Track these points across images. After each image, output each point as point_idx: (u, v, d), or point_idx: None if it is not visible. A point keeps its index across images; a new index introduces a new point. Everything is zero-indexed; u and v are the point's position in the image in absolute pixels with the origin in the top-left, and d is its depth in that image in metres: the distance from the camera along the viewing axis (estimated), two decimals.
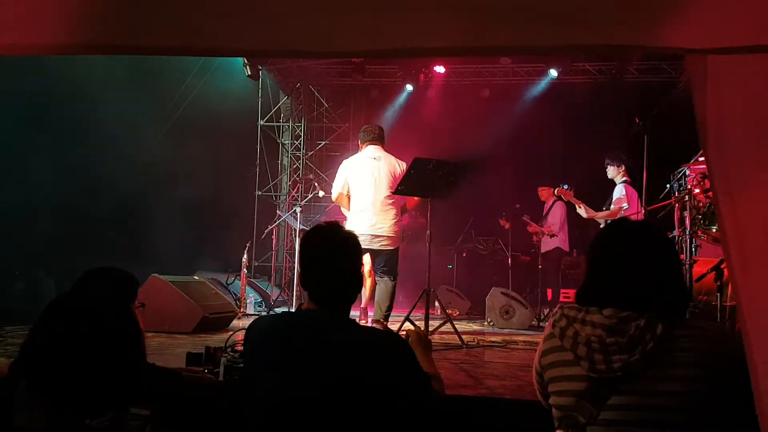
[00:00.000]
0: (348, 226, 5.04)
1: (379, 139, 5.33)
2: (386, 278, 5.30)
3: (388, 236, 5.25)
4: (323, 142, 10.50)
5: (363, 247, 4.93)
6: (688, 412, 1.43)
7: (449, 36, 1.24)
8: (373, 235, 5.16)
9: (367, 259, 6.27)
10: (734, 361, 1.32)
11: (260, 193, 10.18)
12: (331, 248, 2.04)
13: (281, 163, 10.66)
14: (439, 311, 8.41)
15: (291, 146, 10.55)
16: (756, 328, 1.10)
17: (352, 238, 2.11)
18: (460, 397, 2.74)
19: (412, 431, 2.01)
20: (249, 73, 9.27)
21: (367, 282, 6.21)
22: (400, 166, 5.24)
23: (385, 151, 5.37)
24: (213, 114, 9.35)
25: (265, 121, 10.31)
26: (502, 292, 7.07)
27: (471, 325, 7.26)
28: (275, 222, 6.65)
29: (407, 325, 5.18)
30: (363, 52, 1.30)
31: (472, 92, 10.15)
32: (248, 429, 2.01)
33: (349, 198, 5.30)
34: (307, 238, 2.09)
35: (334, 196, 5.38)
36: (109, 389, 1.71)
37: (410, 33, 1.26)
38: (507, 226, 8.84)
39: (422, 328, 4.94)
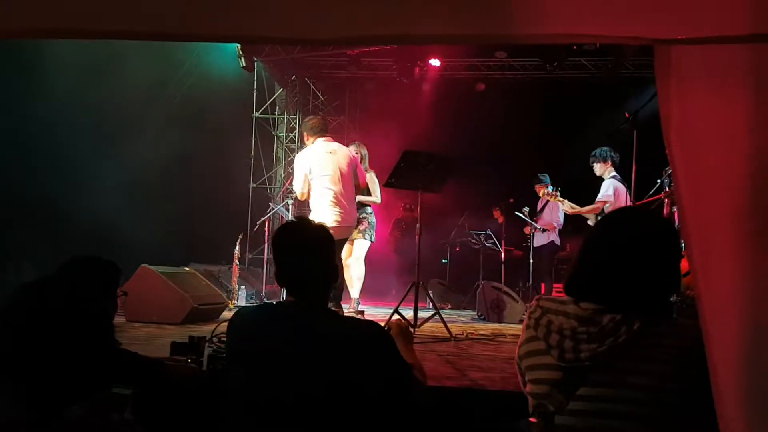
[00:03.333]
0: (319, 219, 5.09)
1: (325, 130, 5.45)
2: (338, 262, 5.43)
3: (350, 226, 5.42)
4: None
5: (338, 238, 5.01)
6: (657, 407, 1.42)
7: (427, 23, 1.24)
8: (346, 227, 5.23)
9: (356, 246, 6.35)
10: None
11: (255, 185, 10.18)
12: (303, 243, 2.06)
13: (276, 155, 10.65)
14: (430, 304, 8.44)
15: (286, 138, 10.54)
16: (716, 324, 1.10)
17: (323, 232, 2.13)
18: (442, 387, 2.75)
19: (394, 421, 2.02)
20: (244, 64, 9.24)
21: (359, 270, 6.30)
22: (352, 153, 5.45)
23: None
24: (208, 106, 9.34)
25: (260, 113, 10.29)
26: (493, 286, 7.09)
27: (462, 318, 7.28)
28: (267, 214, 6.65)
29: (394, 317, 5.20)
30: (338, 39, 1.30)
31: (467, 86, 10.14)
32: (229, 419, 2.03)
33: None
34: (279, 235, 2.11)
35: (297, 195, 5.40)
36: (83, 376, 1.72)
37: (389, 19, 1.25)
38: (501, 220, 8.85)
39: (411, 321, 4.97)
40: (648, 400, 1.43)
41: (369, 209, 6.27)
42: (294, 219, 2.24)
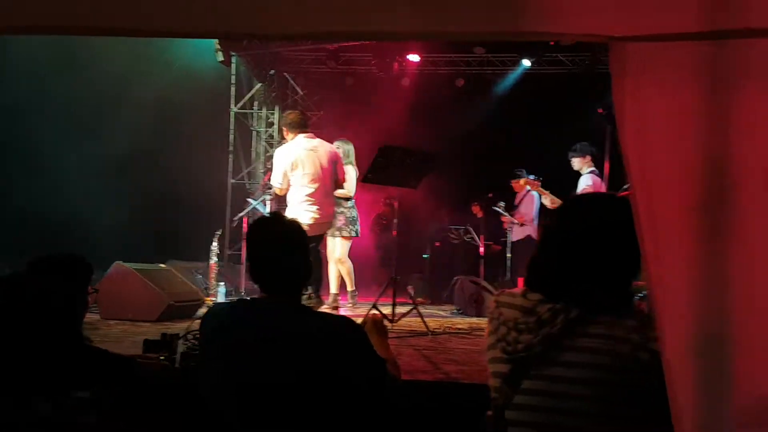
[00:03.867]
0: (296, 216, 5.08)
1: (305, 126, 5.42)
2: (318, 257, 5.44)
3: (327, 222, 5.44)
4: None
5: (312, 235, 5.02)
6: (595, 402, 1.38)
7: (387, 19, 1.24)
8: (324, 223, 5.23)
9: (333, 246, 6.36)
10: (652, 352, 1.29)
11: (234, 180, 10.11)
12: (276, 240, 2.07)
13: (255, 151, 10.58)
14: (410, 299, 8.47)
15: (265, 134, 10.48)
16: (667, 312, 1.12)
17: (296, 228, 2.14)
18: (415, 381, 2.77)
19: (367, 415, 2.03)
20: (221, 59, 9.17)
21: (343, 269, 6.33)
22: (333, 149, 5.45)
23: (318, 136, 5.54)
24: (186, 101, 9.26)
25: (239, 108, 10.22)
26: (471, 281, 7.12)
27: (441, 312, 7.31)
28: (245, 210, 6.62)
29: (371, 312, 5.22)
30: (291, 35, 1.30)
31: (447, 81, 10.16)
32: (202, 416, 2.02)
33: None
34: (252, 231, 2.12)
35: (277, 190, 5.38)
36: (51, 372, 1.70)
37: (338, 14, 1.25)
38: (480, 214, 8.90)
39: (388, 316, 4.99)
40: (585, 394, 1.39)
41: (350, 203, 6.26)
42: (268, 215, 2.25)
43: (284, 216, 2.23)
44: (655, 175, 1.11)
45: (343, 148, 6.25)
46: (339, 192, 6.01)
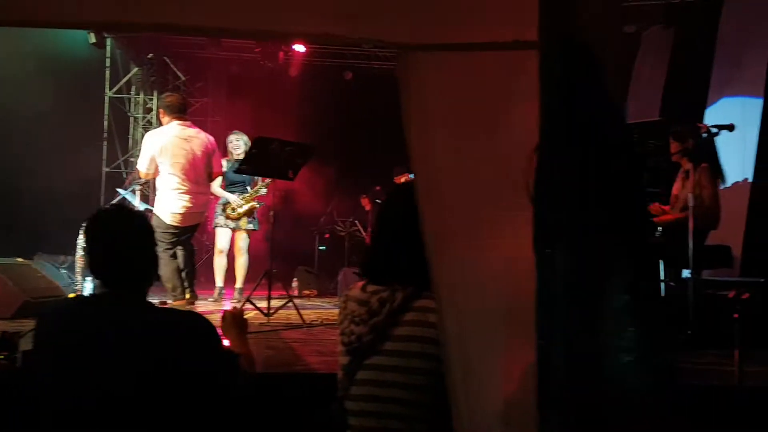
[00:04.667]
0: (164, 206, 4.93)
1: (183, 111, 5.21)
2: (191, 249, 5.25)
3: (198, 213, 5.28)
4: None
5: (184, 226, 4.88)
6: (409, 390, 1.41)
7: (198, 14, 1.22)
8: (196, 213, 5.09)
9: (223, 240, 6.27)
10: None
11: (108, 169, 9.60)
12: (116, 233, 1.97)
13: (132, 138, 10.08)
14: (296, 291, 8.44)
15: (143, 120, 10.00)
16: (448, 305, 1.17)
17: (141, 220, 2.07)
18: (272, 374, 2.74)
19: (216, 409, 1.99)
20: (93, 41, 8.64)
21: (239, 263, 6.29)
22: (210, 140, 5.25)
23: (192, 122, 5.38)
24: (55, 85, 8.64)
25: (114, 93, 9.70)
26: (354, 272, 7.18)
27: (325, 304, 7.31)
28: (114, 200, 6.28)
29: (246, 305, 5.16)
30: (110, 23, 1.24)
31: (335, 73, 10.15)
32: (37, 417, 1.91)
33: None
34: (91, 223, 2.00)
35: (142, 174, 5.18)
36: None
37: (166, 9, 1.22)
38: (368, 207, 8.98)
39: (263, 309, 4.93)
40: (404, 382, 1.42)
41: (231, 198, 6.17)
42: (111, 207, 2.15)
43: (129, 207, 2.14)
44: (438, 175, 1.16)
45: (243, 140, 6.22)
46: (214, 189, 5.89)
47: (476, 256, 1.21)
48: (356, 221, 8.93)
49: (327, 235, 10.18)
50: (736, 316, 2.61)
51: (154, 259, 2.08)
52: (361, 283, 1.65)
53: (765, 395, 2.62)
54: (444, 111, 1.18)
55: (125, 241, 1.96)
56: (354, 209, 9.42)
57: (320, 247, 10.12)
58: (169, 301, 5.01)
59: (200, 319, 2.03)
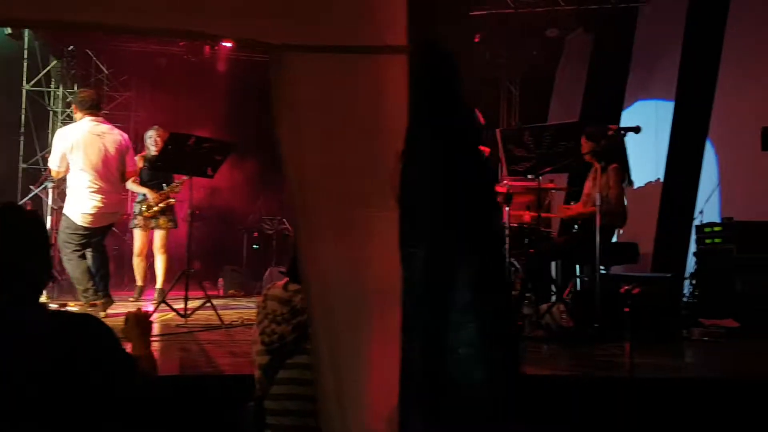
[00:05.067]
0: (74, 206, 4.78)
1: (96, 108, 5.07)
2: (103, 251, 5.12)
3: (112, 213, 5.14)
4: (102, 112, 9.68)
5: (95, 227, 4.75)
6: None
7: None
8: (108, 213, 4.94)
9: (139, 242, 6.12)
10: None
11: (26, 165, 9.18)
12: (7, 233, 1.89)
13: (52, 133, 9.64)
14: (222, 291, 8.31)
15: (63, 114, 9.60)
16: (317, 301, 1.18)
17: (31, 221, 1.99)
18: (177, 377, 2.69)
19: (116, 412, 1.95)
20: (9, 31, 8.24)
21: (158, 262, 6.14)
22: (123, 138, 5.13)
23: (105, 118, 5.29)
24: None
25: (32, 86, 9.27)
26: (280, 271, 7.09)
27: (250, 304, 7.22)
28: (27, 197, 6.02)
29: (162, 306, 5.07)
30: (30, 21, 1.20)
31: (264, 68, 9.99)
32: None
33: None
34: None
35: (53, 173, 5.02)
36: None
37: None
38: None
39: (179, 310, 4.83)
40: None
41: (148, 192, 6.02)
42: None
43: (19, 206, 2.05)
44: (307, 175, 1.17)
45: (154, 139, 6.13)
46: (129, 186, 5.74)
47: (345, 254, 1.23)
48: (284, 219, 8.85)
49: (255, 234, 10.06)
50: (626, 310, 2.73)
51: (47, 261, 2.02)
52: (281, 282, 1.66)
53: (653, 385, 2.76)
54: (314, 111, 1.19)
55: (14, 242, 1.89)
56: (283, 207, 9.33)
57: (254, 246, 9.99)
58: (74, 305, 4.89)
59: (93, 321, 1.98)
